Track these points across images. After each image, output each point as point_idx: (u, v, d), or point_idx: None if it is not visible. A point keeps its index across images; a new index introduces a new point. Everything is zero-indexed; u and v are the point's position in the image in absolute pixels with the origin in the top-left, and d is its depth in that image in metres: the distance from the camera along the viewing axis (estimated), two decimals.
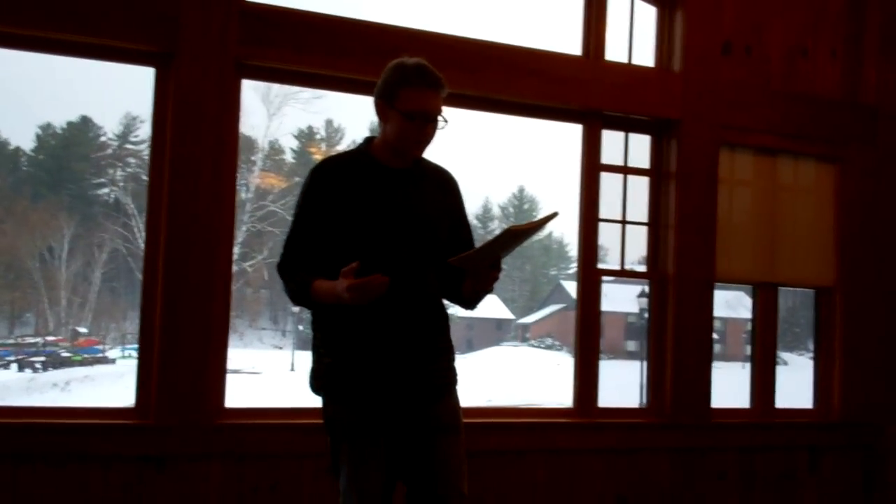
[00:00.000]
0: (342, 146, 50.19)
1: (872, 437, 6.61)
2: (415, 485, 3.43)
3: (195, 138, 4.95)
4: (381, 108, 3.36)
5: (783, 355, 45.64)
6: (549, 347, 52.78)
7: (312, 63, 5.29)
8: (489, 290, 3.42)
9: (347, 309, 3.22)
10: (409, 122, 3.27)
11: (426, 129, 3.31)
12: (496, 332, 57.35)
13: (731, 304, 46.29)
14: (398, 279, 3.21)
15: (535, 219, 3.31)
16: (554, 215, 3.33)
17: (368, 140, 3.47)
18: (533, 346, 54.28)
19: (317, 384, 3.42)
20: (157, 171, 4.98)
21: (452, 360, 3.54)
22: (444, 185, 3.53)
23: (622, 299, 43.03)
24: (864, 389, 6.60)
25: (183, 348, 4.88)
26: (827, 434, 6.52)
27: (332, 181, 3.33)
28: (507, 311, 59.24)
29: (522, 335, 58.66)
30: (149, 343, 4.93)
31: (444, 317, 3.51)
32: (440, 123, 3.36)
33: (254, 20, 5.09)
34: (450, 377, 3.50)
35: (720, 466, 6.16)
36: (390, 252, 3.29)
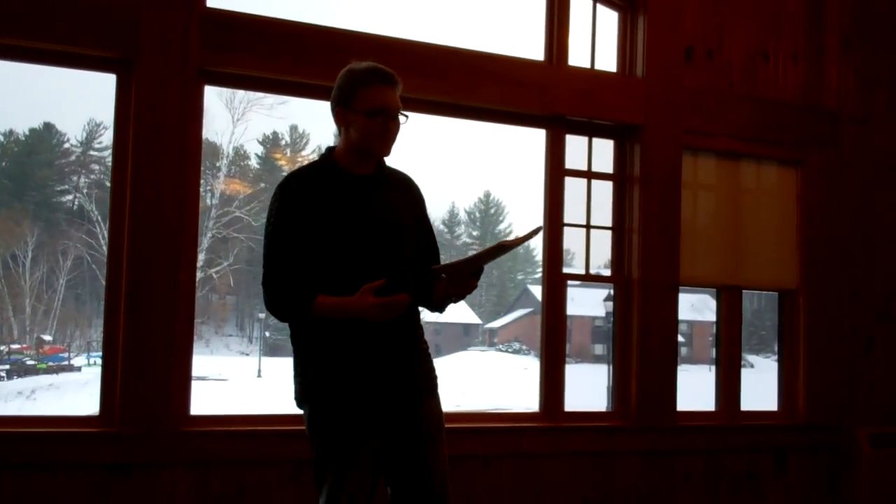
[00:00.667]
0: (307, 151, 50.20)
1: (837, 439, 6.66)
2: (401, 488, 3.46)
3: (157, 145, 4.92)
4: (340, 115, 3.39)
5: (749, 358, 45.98)
6: (516, 352, 52.87)
7: (276, 69, 5.27)
8: (464, 297, 3.47)
9: (332, 320, 3.26)
10: (371, 120, 3.31)
11: (389, 125, 3.35)
12: (464, 337, 57.38)
13: (697, 307, 46.58)
14: (382, 290, 3.23)
15: (522, 234, 3.38)
16: (539, 230, 3.42)
17: (330, 150, 3.49)
18: (500, 350, 54.36)
19: (304, 395, 3.40)
20: (120, 177, 4.94)
21: (432, 362, 3.58)
22: (408, 191, 3.56)
23: (589, 303, 43.22)
24: (828, 391, 6.65)
25: (147, 356, 4.85)
26: (792, 436, 6.57)
27: (301, 194, 3.34)
28: (474, 316, 59.29)
29: (490, 340, 58.74)
30: (113, 351, 4.89)
31: (419, 321, 3.55)
32: (401, 119, 3.40)
33: (215, 26, 5.07)
34: (432, 379, 3.54)
35: (686, 469, 6.19)
36: (368, 258, 3.31)
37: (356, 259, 3.29)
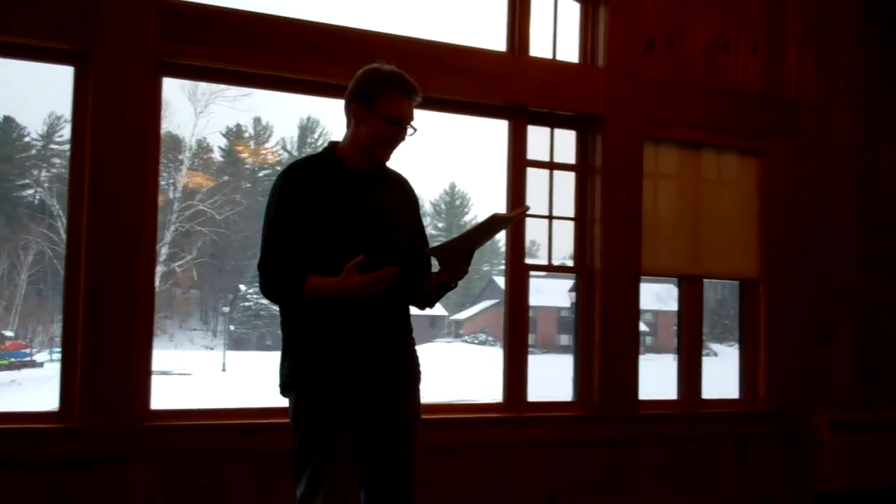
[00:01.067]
0: (270, 144, 49.84)
1: (797, 426, 6.73)
2: (369, 477, 3.49)
3: (116, 137, 4.88)
4: (356, 111, 3.41)
5: (713, 346, 46.30)
6: (482, 343, 52.91)
7: (237, 60, 5.24)
8: (455, 285, 3.51)
9: (323, 306, 3.30)
10: (386, 126, 3.37)
11: (399, 134, 3.42)
12: (430, 330, 57.33)
13: (662, 297, 46.82)
14: (369, 272, 3.27)
15: (513, 211, 3.41)
16: (526, 208, 3.59)
17: (333, 144, 3.53)
18: (466, 342, 54.35)
19: (291, 381, 3.42)
20: (78, 171, 4.90)
21: (418, 358, 3.62)
22: (404, 190, 3.63)
23: (555, 294, 43.39)
24: (788, 378, 6.72)
25: (107, 351, 4.82)
26: (753, 423, 6.63)
27: (304, 182, 3.37)
28: (440, 308, 59.33)
29: (456, 331, 58.72)
30: (72, 346, 4.85)
31: (409, 314, 3.58)
32: (409, 130, 3.46)
33: (174, 17, 5.03)
34: (417, 375, 3.59)
35: (649, 457, 6.23)
36: (365, 247, 3.34)
37: (351, 251, 3.30)
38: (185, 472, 4.97)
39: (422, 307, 3.69)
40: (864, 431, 6.88)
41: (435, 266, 3.57)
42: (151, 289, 5.10)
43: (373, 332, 3.38)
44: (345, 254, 3.28)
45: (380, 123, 3.36)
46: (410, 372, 3.54)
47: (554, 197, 6.23)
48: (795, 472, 6.73)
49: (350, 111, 3.44)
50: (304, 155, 3.60)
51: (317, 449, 3.35)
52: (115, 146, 4.87)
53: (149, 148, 5.02)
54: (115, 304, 4.84)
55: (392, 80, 3.38)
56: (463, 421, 5.76)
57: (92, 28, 4.83)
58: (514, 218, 3.34)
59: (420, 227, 3.68)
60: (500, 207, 6.11)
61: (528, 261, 6.08)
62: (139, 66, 4.93)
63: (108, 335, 4.82)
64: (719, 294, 47.91)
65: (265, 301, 48.46)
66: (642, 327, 51.57)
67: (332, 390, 3.34)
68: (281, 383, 3.48)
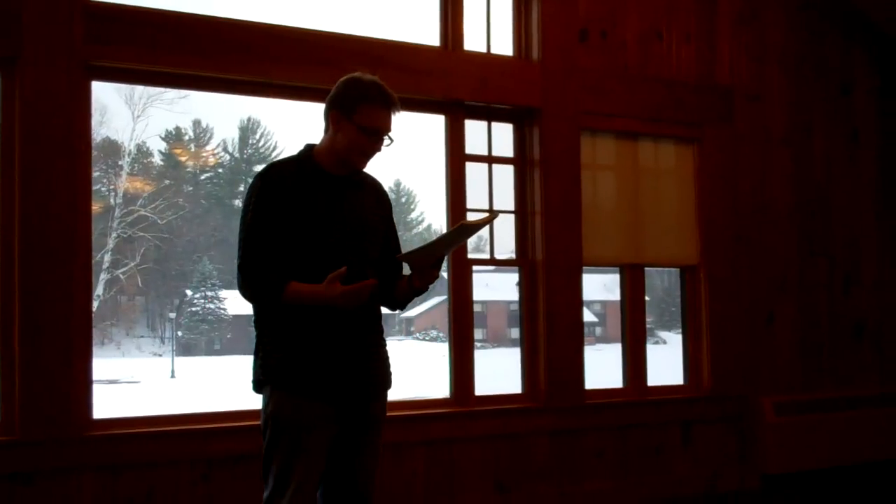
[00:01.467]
0: (211, 146, 49.29)
1: (742, 409, 6.82)
2: (332, 474, 3.48)
3: (45, 143, 4.80)
4: (335, 118, 3.44)
5: (661, 334, 46.69)
6: (433, 339, 52.94)
7: (166, 62, 5.18)
8: (426, 289, 3.54)
9: (297, 307, 3.33)
10: (363, 136, 3.40)
11: (376, 144, 3.46)
12: None
13: (609, 287, 47.12)
14: (347, 278, 3.31)
15: (482, 217, 3.44)
16: (497, 213, 3.77)
17: (310, 147, 3.56)
18: (417, 339, 54.36)
19: (263, 379, 3.43)
20: (8, 178, 4.80)
21: (389, 360, 3.65)
22: (378, 195, 3.66)
23: (505, 288, 43.45)
24: (731, 362, 6.81)
25: (45, 361, 4.74)
26: (698, 408, 6.70)
27: (280, 184, 3.40)
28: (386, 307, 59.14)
29: (407, 329, 58.69)
30: (9, 357, 4.76)
31: (381, 317, 3.62)
32: (386, 141, 3.50)
33: (101, 20, 4.96)
34: (388, 375, 3.62)
35: (597, 445, 6.27)
36: (334, 254, 3.38)
37: (323, 254, 3.36)
38: (131, 481, 4.91)
39: (393, 309, 3.73)
40: (808, 412, 6.99)
41: (407, 269, 3.62)
42: (89, 297, 5.02)
43: (345, 332, 3.40)
44: (318, 257, 3.35)
45: (357, 133, 3.40)
46: (382, 373, 3.57)
47: (494, 191, 6.23)
48: (741, 454, 6.82)
49: (329, 118, 3.47)
50: (280, 157, 3.63)
51: (285, 448, 3.35)
52: (45, 152, 4.79)
53: (80, 153, 4.94)
54: (51, 313, 4.77)
55: (371, 91, 3.41)
56: (410, 418, 5.74)
57: (17, 32, 4.75)
58: (482, 224, 3.37)
59: (393, 231, 3.72)
60: (444, 203, 6.11)
61: (470, 255, 6.09)
62: (66, 69, 4.85)
63: (45, 345, 4.75)
64: (666, 282, 48.33)
65: (212, 305, 47.64)
66: (591, 318, 51.57)
67: (303, 389, 3.36)
68: (253, 381, 3.50)
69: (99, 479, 4.83)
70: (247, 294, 3.40)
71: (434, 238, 3.38)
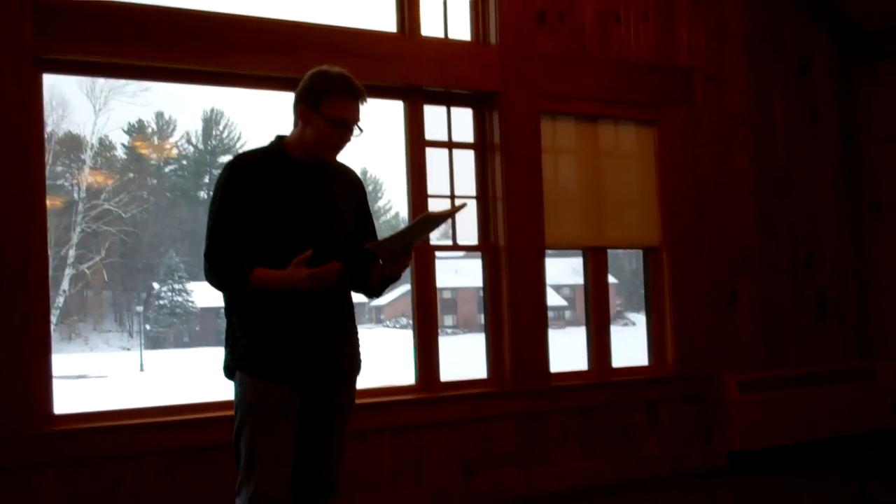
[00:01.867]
0: (175, 138, 48.90)
1: (706, 388, 6.86)
2: (300, 459, 3.49)
3: None
4: (303, 112, 3.46)
5: (630, 316, 46.91)
6: (403, 327, 52.97)
7: (124, 54, 5.13)
8: (398, 277, 3.56)
9: (265, 294, 3.34)
10: (331, 128, 3.42)
11: (345, 135, 3.48)
12: None
13: (578, 270, 47.23)
14: (315, 266, 3.31)
15: (447, 208, 3.59)
16: (463, 205, 3.68)
17: (280, 138, 3.58)
18: (387, 327, 54.37)
19: (233, 364, 3.46)
20: None
21: (358, 347, 3.66)
22: (351, 183, 3.68)
23: (474, 274, 43.49)
24: (695, 342, 6.85)
25: (2, 358, 4.69)
26: (663, 388, 6.74)
27: (248, 174, 3.42)
28: (359, 295, 59.12)
29: (377, 317, 58.68)
30: None
31: (353, 305, 3.63)
32: (356, 132, 3.52)
33: (49, 13, 4.89)
34: (357, 363, 3.63)
35: (563, 428, 6.30)
36: (303, 242, 3.37)
37: (291, 241, 3.37)
38: (93, 476, 4.88)
39: (369, 296, 3.78)
40: (772, 389, 7.04)
41: None
42: (46, 292, 4.97)
43: (313, 317, 3.42)
44: (286, 246, 3.35)
45: (325, 125, 3.42)
46: (351, 360, 3.58)
47: (455, 176, 6.23)
48: (707, 432, 6.87)
49: (297, 112, 3.49)
50: (251, 148, 3.63)
51: (252, 432, 3.37)
52: None
53: (33, 147, 4.88)
54: (7, 309, 4.72)
55: (337, 82, 3.43)
56: (376, 405, 5.74)
57: None
58: (446, 215, 3.41)
59: (368, 219, 3.74)
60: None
61: (433, 242, 6.08)
62: (15, 63, 4.79)
63: (3, 343, 4.70)
64: (634, 264, 48.56)
65: (180, 298, 47.36)
66: (561, 302, 51.65)
67: (270, 373, 3.38)
68: (224, 367, 3.52)
69: (61, 475, 4.81)
70: (213, 281, 3.42)
71: (400, 228, 3.41)
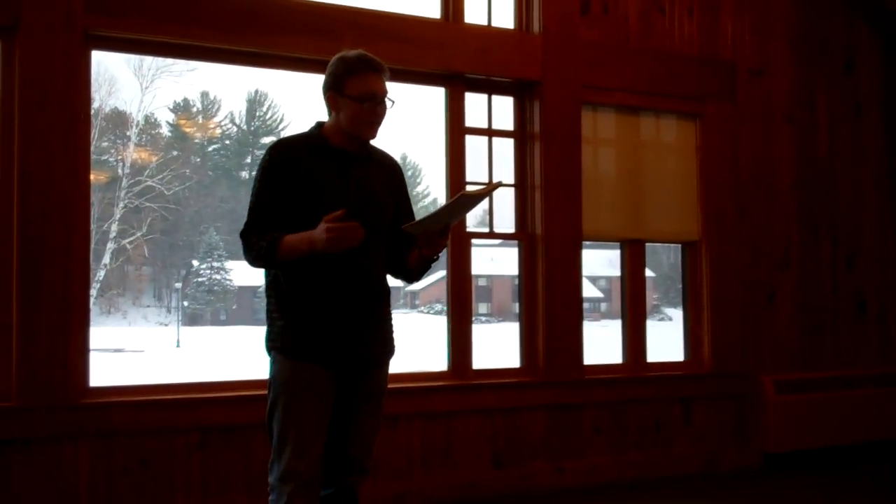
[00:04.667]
0: (219, 118, 49.28)
1: (742, 386, 6.80)
2: (331, 441, 3.53)
3: (44, 112, 4.80)
4: (332, 100, 3.52)
5: (668, 311, 46.64)
6: (438, 313, 53.04)
7: (167, 32, 5.17)
8: (436, 258, 3.59)
9: (302, 275, 3.41)
10: (359, 105, 3.45)
11: (377, 110, 3.49)
12: None
13: (614, 263, 47.14)
14: (351, 250, 3.35)
15: (483, 187, 3.49)
16: (500, 184, 3.67)
17: (320, 124, 3.62)
18: (422, 312, 54.46)
19: (270, 345, 3.53)
20: (7, 148, 4.80)
21: (392, 332, 3.70)
22: (390, 170, 3.71)
23: (510, 262, 43.42)
24: (732, 340, 6.78)
25: (42, 329, 4.76)
26: (698, 385, 6.68)
27: (289, 158, 3.48)
28: (395, 280, 59.22)
29: (412, 302, 58.79)
30: (6, 325, 4.78)
31: (388, 290, 3.66)
32: (388, 104, 3.54)
33: None
34: (390, 347, 3.66)
35: (595, 421, 6.26)
36: None
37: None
38: (127, 449, 4.94)
39: (408, 280, 3.79)
40: (809, 391, 6.97)
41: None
42: (87, 266, 5.03)
43: (347, 302, 3.46)
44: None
45: (354, 105, 3.45)
46: (383, 344, 3.61)
47: (494, 164, 6.21)
48: (741, 432, 6.81)
49: (328, 102, 3.54)
50: (292, 134, 3.70)
51: (283, 411, 3.42)
52: (44, 121, 4.79)
53: (79, 122, 4.93)
54: (49, 282, 4.78)
55: (355, 63, 3.47)
56: (408, 390, 5.75)
57: (16, 2, 4.74)
58: (483, 195, 3.40)
59: (406, 205, 3.76)
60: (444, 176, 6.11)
61: (470, 229, 6.07)
62: (66, 39, 4.84)
63: (43, 313, 4.77)
64: (672, 258, 48.27)
65: (218, 276, 47.76)
66: (597, 294, 51.46)
67: (303, 355, 3.43)
68: (265, 347, 3.57)
69: (94, 446, 4.87)
70: (249, 257, 3.47)
71: (436, 208, 3.42)
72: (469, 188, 5.98)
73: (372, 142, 3.62)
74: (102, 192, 37.93)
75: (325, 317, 3.43)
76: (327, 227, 3.24)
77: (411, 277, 3.74)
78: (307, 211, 3.41)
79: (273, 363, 3.51)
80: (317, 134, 3.58)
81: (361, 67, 3.47)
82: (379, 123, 3.54)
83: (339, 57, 3.53)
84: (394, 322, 3.71)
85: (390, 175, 3.70)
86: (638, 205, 6.65)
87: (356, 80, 3.45)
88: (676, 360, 6.92)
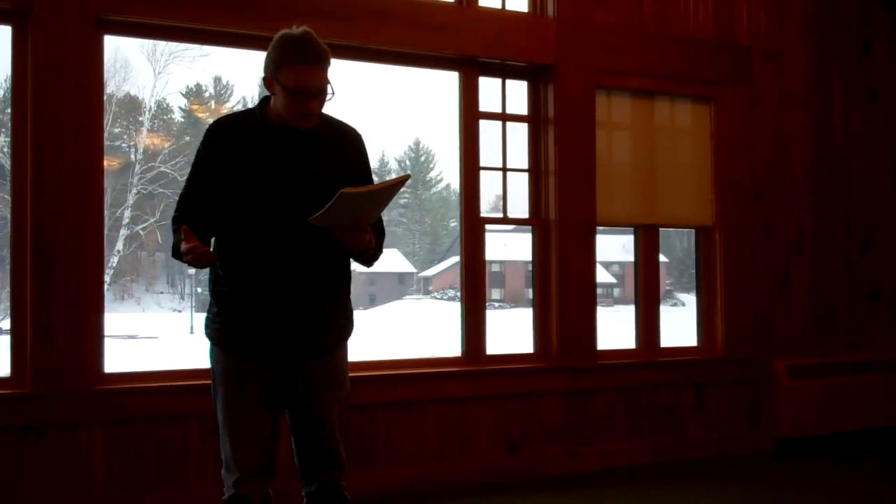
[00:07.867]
0: (231, 103, 49.30)
1: (755, 372, 6.78)
2: (295, 434, 3.48)
3: (57, 97, 4.80)
4: (268, 83, 3.36)
5: (681, 296, 46.62)
6: (451, 299, 53.07)
7: (179, 16, 5.15)
8: (357, 251, 3.38)
9: (234, 267, 3.32)
10: (290, 98, 3.27)
11: (308, 104, 3.30)
12: (398, 287, 57.36)
13: (628, 248, 47.10)
14: (282, 237, 3.28)
15: (384, 181, 3.24)
16: (406, 177, 3.33)
17: (265, 100, 3.46)
18: (435, 298, 54.46)
19: (207, 332, 3.46)
20: (20, 132, 4.81)
21: (343, 318, 3.53)
22: (343, 145, 3.51)
23: (524, 248, 43.41)
24: (746, 325, 6.76)
25: (56, 315, 4.78)
26: (711, 370, 6.67)
27: (224, 138, 3.37)
28: (408, 265, 59.25)
29: (425, 288, 58.82)
30: (21, 312, 4.80)
31: (339, 276, 3.49)
32: (328, 95, 3.35)
33: None
34: (333, 337, 3.49)
35: (608, 406, 6.26)
36: (274, 210, 3.31)
37: (262, 210, 3.29)
38: (140, 435, 4.96)
39: (361, 265, 3.59)
40: (822, 376, 6.95)
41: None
42: (100, 252, 5.04)
43: (277, 291, 3.33)
44: (249, 212, 3.29)
45: (286, 96, 3.28)
46: (321, 333, 3.44)
47: (508, 149, 6.20)
48: (755, 417, 6.79)
49: (265, 82, 3.38)
50: (235, 111, 3.57)
51: (222, 401, 3.38)
52: (57, 106, 4.80)
53: (92, 107, 4.93)
54: (62, 269, 4.79)
55: (291, 51, 3.25)
56: (422, 375, 5.75)
57: None
58: (361, 193, 3.12)
59: (367, 180, 3.54)
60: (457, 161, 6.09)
61: (483, 214, 6.06)
62: (78, 23, 4.84)
63: (57, 300, 4.78)
64: (686, 243, 48.18)
65: None
66: (610, 279, 51.37)
67: (233, 344, 3.36)
68: (204, 331, 3.51)
69: (109, 433, 4.89)
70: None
71: (323, 208, 3.13)
72: (484, 179, 5.95)
73: (330, 114, 3.47)
74: (115, 178, 37.94)
75: (253, 314, 3.32)
76: (188, 248, 3.12)
77: (359, 262, 3.52)
78: (236, 194, 3.31)
79: (210, 351, 3.43)
80: (259, 111, 3.42)
81: (297, 58, 3.24)
82: (312, 116, 3.35)
83: (279, 38, 3.30)
84: (350, 304, 3.56)
85: (343, 151, 3.49)
86: (652, 190, 6.62)
87: (290, 72, 3.24)
88: (690, 345, 6.91)
